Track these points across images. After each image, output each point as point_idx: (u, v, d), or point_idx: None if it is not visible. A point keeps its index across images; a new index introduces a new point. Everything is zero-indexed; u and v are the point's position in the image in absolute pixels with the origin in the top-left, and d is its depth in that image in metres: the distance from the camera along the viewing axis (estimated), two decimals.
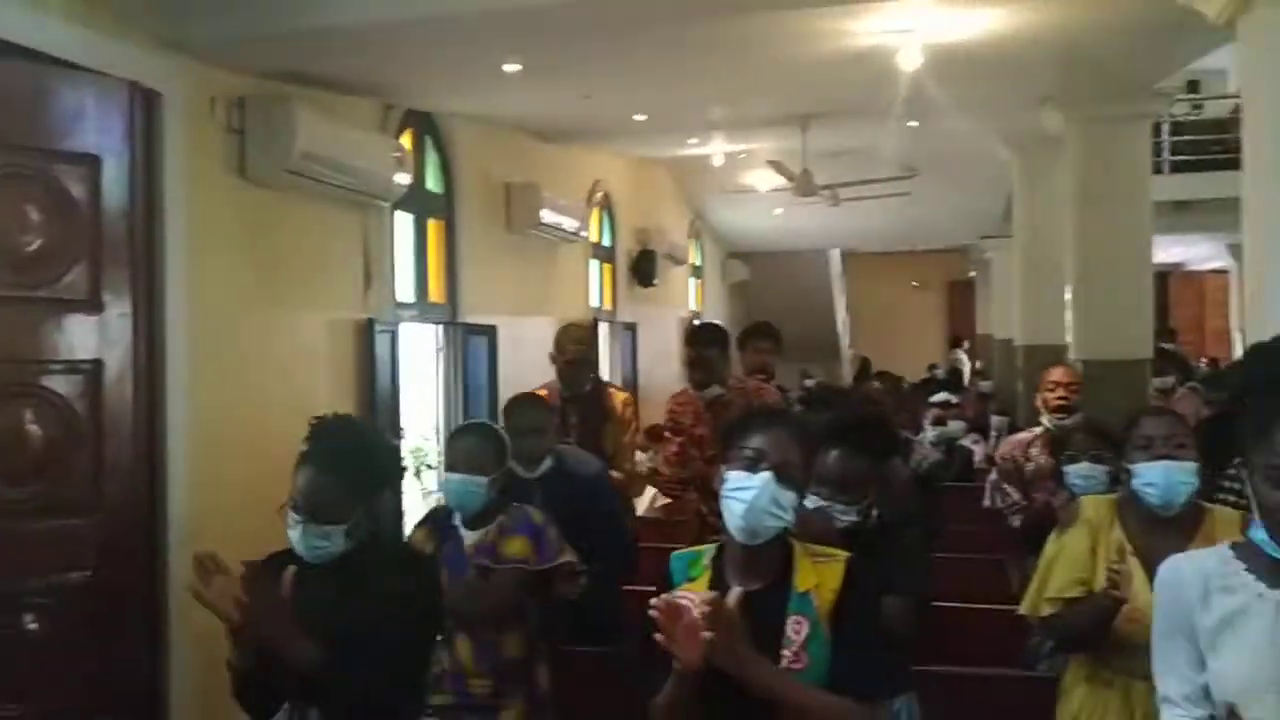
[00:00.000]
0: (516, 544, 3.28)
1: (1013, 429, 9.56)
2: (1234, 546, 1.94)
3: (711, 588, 2.12)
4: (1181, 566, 1.97)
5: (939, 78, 5.90)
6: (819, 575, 2.14)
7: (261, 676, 2.36)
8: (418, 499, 5.98)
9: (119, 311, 3.81)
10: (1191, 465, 2.76)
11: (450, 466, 3.31)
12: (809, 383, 13.05)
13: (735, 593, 1.99)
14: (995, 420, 10.33)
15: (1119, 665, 2.77)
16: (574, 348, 4.66)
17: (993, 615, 4.29)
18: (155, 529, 3.90)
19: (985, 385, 13.78)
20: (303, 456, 2.48)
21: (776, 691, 2.02)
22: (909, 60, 5.55)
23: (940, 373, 18.06)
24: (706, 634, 1.91)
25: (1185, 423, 2.92)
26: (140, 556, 3.85)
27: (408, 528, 3.85)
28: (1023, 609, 2.97)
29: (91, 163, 3.73)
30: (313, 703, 2.40)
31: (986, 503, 7.08)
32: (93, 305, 3.74)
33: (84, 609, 3.63)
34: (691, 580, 2.18)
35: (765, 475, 2.09)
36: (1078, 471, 3.85)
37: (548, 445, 3.84)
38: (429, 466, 6.29)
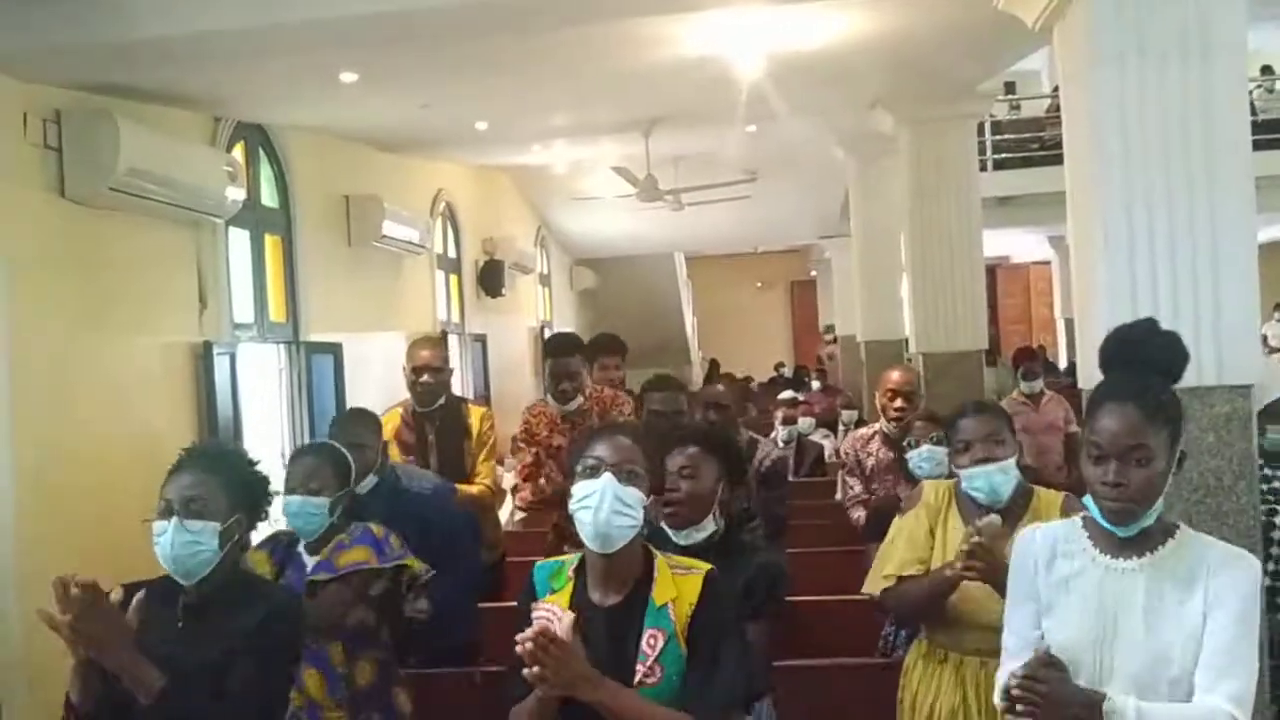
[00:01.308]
0: (355, 552, 3.17)
1: (860, 423, 9.88)
2: (1084, 518, 2.14)
3: (573, 599, 2.13)
4: (1035, 535, 2.18)
5: (775, 83, 6.04)
6: (678, 588, 2.14)
7: (102, 716, 2.21)
8: (263, 527, 5.75)
9: None
10: (1009, 463, 2.89)
11: (289, 489, 3.18)
12: None
13: (567, 620, 2.00)
14: (845, 415, 10.62)
15: (951, 642, 2.90)
16: (423, 355, 4.55)
17: (846, 606, 4.39)
18: None
19: (815, 383, 14.19)
20: (175, 466, 2.35)
21: (616, 710, 2.02)
22: (746, 66, 5.66)
23: (786, 371, 18.51)
24: (534, 670, 1.93)
25: (1004, 416, 3.04)
26: None
27: None
28: (865, 588, 3.06)
29: None
30: None
31: (838, 496, 7.31)
32: None
33: None
34: (554, 592, 2.17)
35: (606, 477, 2.11)
36: (919, 455, 4.08)
37: (371, 460, 3.71)
38: (275, 493, 6.06)
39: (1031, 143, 13.58)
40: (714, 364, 18.51)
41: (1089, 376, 3.64)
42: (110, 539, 3.98)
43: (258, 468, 2.49)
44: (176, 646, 2.21)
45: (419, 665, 3.66)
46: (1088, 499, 2.07)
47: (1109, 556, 2.07)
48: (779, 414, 8.32)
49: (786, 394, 10.26)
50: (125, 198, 4.39)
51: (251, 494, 2.43)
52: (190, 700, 2.15)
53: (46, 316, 4.07)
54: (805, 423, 8.97)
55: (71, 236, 4.28)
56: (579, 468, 2.18)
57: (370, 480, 3.70)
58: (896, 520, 3.08)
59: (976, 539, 2.70)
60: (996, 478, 2.87)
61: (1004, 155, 13.06)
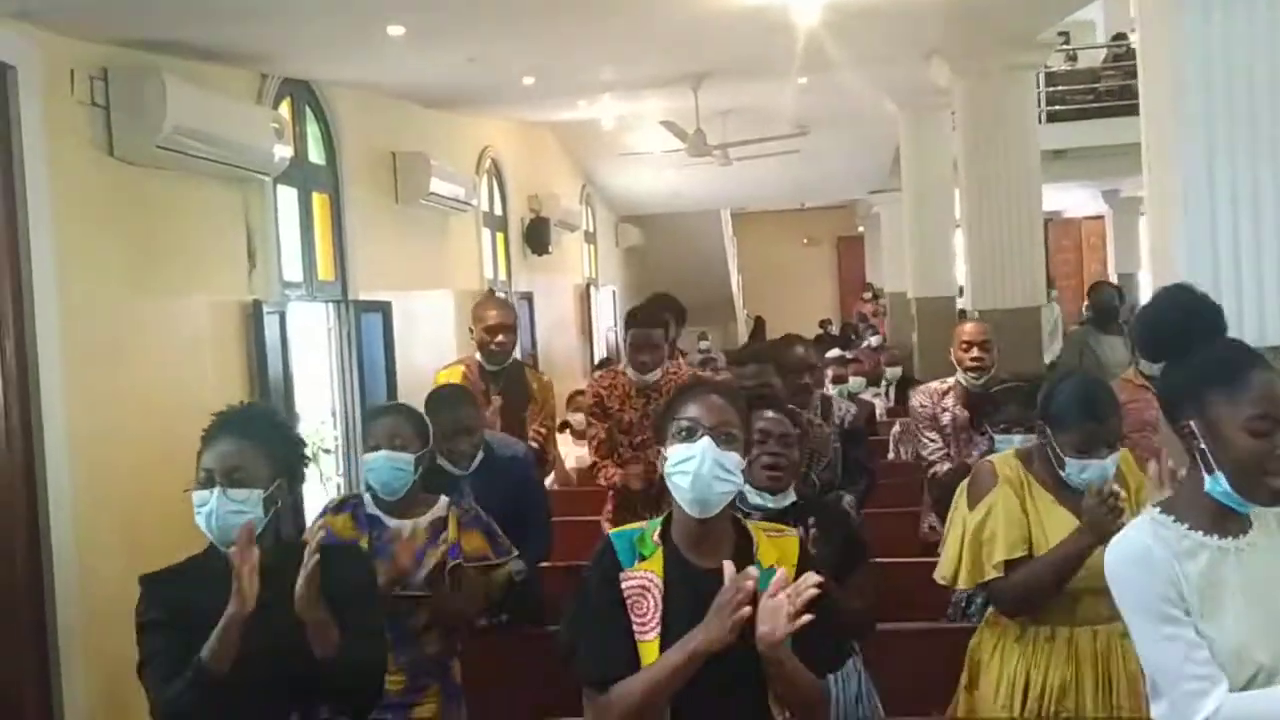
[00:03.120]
0: (475, 539, 3.18)
1: (904, 381, 9.74)
2: (1162, 511, 1.91)
3: (668, 565, 2.09)
4: (1136, 542, 1.89)
5: (830, 32, 5.86)
6: (779, 550, 2.12)
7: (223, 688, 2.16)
8: (316, 486, 5.77)
9: None
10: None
11: (372, 447, 3.15)
12: (704, 345, 13.12)
13: (752, 570, 1.98)
14: (889, 372, 10.48)
15: (1062, 617, 2.73)
16: (496, 314, 4.51)
17: (907, 569, 4.31)
18: (37, 543, 3.64)
19: (874, 339, 14.02)
20: (211, 433, 2.31)
21: (789, 671, 2.00)
22: (803, 14, 5.49)
23: (832, 329, 18.34)
24: (745, 610, 1.92)
25: None
26: (21, 568, 3.59)
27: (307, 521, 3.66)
28: (963, 582, 2.83)
29: None
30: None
31: (890, 455, 7.20)
32: None
33: None
34: (644, 559, 2.11)
35: (704, 441, 2.06)
36: (1010, 443, 3.64)
37: (480, 442, 3.65)
38: (326, 451, 6.07)
39: (1086, 94, 13.25)
40: (759, 321, 18.41)
41: None
42: (162, 498, 3.98)
43: (294, 430, 2.45)
44: (254, 626, 2.16)
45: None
46: (1213, 483, 1.85)
47: (1218, 537, 1.86)
48: (829, 373, 8.21)
49: (834, 352, 10.15)
50: (173, 155, 4.34)
51: (291, 458, 2.39)
52: (289, 666, 2.15)
53: (96, 276, 4.04)
54: (856, 381, 8.85)
55: (120, 195, 4.24)
56: (672, 429, 2.12)
57: (479, 459, 3.64)
58: (964, 501, 2.87)
59: (1111, 489, 2.56)
60: (1109, 469, 2.67)
61: (1058, 107, 12.75)
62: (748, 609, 1.93)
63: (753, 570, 1.99)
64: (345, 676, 2.21)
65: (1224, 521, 1.88)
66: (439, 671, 3.20)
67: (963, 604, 3.71)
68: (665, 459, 2.11)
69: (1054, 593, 2.69)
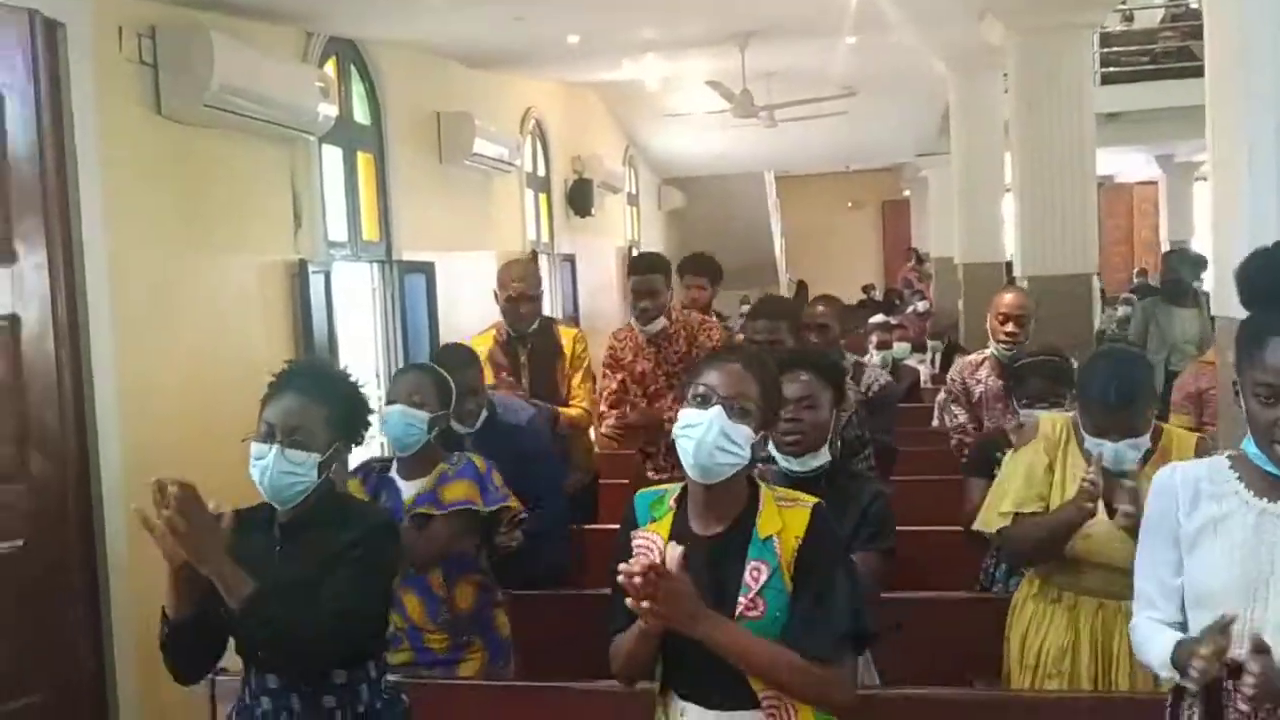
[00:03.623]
0: (460, 488, 3.14)
1: (950, 348, 9.64)
2: (1230, 457, 2.03)
3: (673, 529, 2.09)
4: (1175, 473, 2.06)
5: None
6: (784, 520, 2.06)
7: (196, 630, 2.23)
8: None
9: (34, 262, 3.57)
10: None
11: (391, 400, 3.17)
12: (745, 309, 13.04)
13: (676, 552, 1.94)
14: (931, 343, 10.38)
15: (1066, 582, 2.80)
16: (518, 285, 4.48)
17: (944, 537, 4.27)
18: (88, 492, 3.70)
19: (921, 305, 13.87)
20: (278, 385, 2.31)
21: (736, 649, 1.97)
22: None
23: (876, 294, 18.18)
24: (644, 605, 1.89)
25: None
26: (74, 522, 3.65)
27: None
28: (977, 523, 2.95)
29: None
30: (272, 667, 2.27)
31: (935, 423, 7.14)
32: (4, 257, 3.49)
33: (16, 580, 3.44)
34: (655, 520, 2.14)
35: (714, 410, 2.04)
36: (1118, 453, 3.67)
37: (484, 400, 3.70)
38: (369, 412, 6.10)
39: (1142, 56, 12.94)
40: (802, 285, 18.26)
41: (1223, 302, 3.43)
42: (210, 457, 4.01)
43: (361, 390, 2.44)
44: (273, 567, 2.20)
45: (513, 589, 3.65)
46: (1248, 443, 1.94)
47: (1265, 500, 1.94)
48: (873, 338, 8.15)
49: (878, 318, 10.06)
50: (220, 114, 4.35)
51: (352, 419, 2.39)
52: (264, 606, 2.14)
53: (145, 234, 4.07)
54: (901, 347, 8.78)
55: (168, 154, 4.25)
56: (689, 394, 2.11)
57: (481, 419, 3.67)
58: (1011, 455, 2.95)
59: (1091, 477, 2.56)
60: (1123, 454, 2.63)
61: (1112, 69, 12.45)
62: (671, 594, 1.90)
63: (678, 550, 1.94)
64: (253, 629, 2.17)
65: (1268, 483, 1.94)
66: (479, 627, 3.22)
67: (992, 571, 3.68)
68: (677, 421, 2.09)
69: (1049, 551, 2.77)
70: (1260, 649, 1.79)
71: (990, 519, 2.88)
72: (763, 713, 2.02)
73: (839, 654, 2.03)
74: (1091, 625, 2.75)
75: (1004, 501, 2.84)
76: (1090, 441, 2.66)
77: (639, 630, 1.99)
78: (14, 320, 3.51)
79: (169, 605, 2.23)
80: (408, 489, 3.17)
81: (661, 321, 4.46)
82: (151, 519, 2.12)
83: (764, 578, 2.01)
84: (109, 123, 3.85)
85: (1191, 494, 2.00)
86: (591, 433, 4.92)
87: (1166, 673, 1.98)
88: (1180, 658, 1.90)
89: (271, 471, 2.23)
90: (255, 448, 2.26)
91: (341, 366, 2.49)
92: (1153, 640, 2.01)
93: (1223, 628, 1.82)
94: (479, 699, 3.06)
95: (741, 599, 2.00)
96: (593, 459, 4.88)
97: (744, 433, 2.05)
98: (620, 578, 1.90)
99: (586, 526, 4.36)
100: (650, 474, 4.32)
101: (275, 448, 2.23)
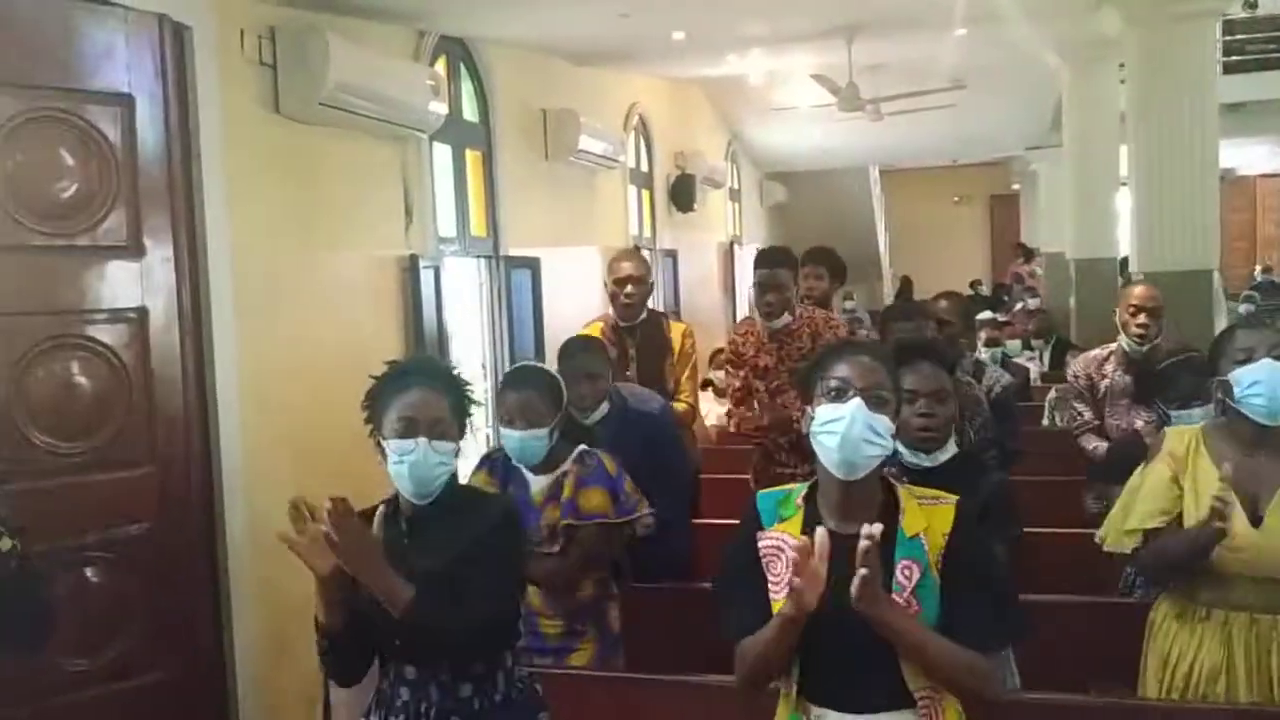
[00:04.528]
0: (595, 498, 3.19)
1: (1060, 345, 9.39)
2: None
3: (805, 527, 2.05)
4: None
5: None
6: (928, 518, 2.04)
7: (352, 635, 2.26)
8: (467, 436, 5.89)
9: (161, 256, 3.71)
10: None
11: (506, 422, 3.19)
12: (849, 305, 12.89)
13: (875, 529, 1.89)
14: (1036, 341, 10.14)
15: (1215, 598, 2.66)
16: (627, 267, 4.50)
17: (1062, 539, 4.17)
18: (210, 477, 3.83)
19: (1032, 301, 13.55)
20: (399, 382, 2.32)
21: (913, 638, 1.95)
22: None
23: (983, 290, 17.79)
24: (863, 573, 1.85)
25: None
26: (196, 506, 3.79)
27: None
28: (1107, 544, 2.86)
29: (124, 102, 3.60)
30: (410, 659, 2.31)
31: (1045, 422, 6.96)
32: (134, 251, 3.63)
33: (143, 561, 3.58)
34: (783, 520, 2.10)
35: (855, 403, 2.01)
36: (1190, 418, 3.54)
37: (604, 389, 3.71)
38: (477, 404, 6.20)
39: (1269, 44, 12.43)
40: (906, 281, 17.98)
41: None
42: (322, 449, 4.14)
43: (468, 383, 2.48)
44: (405, 562, 2.22)
45: (635, 579, 3.69)
46: None
47: None
48: (982, 335, 7.98)
49: (986, 314, 9.85)
50: (335, 113, 4.46)
51: (465, 408, 2.43)
52: (428, 609, 2.17)
53: (264, 229, 4.19)
54: (1012, 345, 8.59)
55: (285, 151, 4.38)
56: (820, 388, 2.07)
57: (604, 408, 3.69)
58: (1139, 469, 2.84)
59: (1221, 495, 2.44)
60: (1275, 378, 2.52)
61: (1235, 58, 11.98)
62: (815, 577, 1.88)
63: (821, 533, 1.92)
64: (415, 633, 2.22)
65: None
66: (595, 618, 3.26)
67: (1132, 578, 3.56)
68: (812, 418, 2.06)
69: (1185, 569, 2.67)
70: None
71: (1118, 538, 2.80)
72: (915, 713, 1.99)
73: (992, 645, 2.02)
74: (1245, 642, 2.62)
75: (1130, 520, 2.75)
76: (1242, 375, 2.55)
77: (783, 621, 1.95)
78: (143, 312, 3.65)
79: (322, 615, 2.25)
80: (535, 482, 3.23)
81: (786, 317, 4.41)
82: (292, 536, 2.17)
83: (916, 576, 2.00)
84: (231, 122, 3.98)
85: None
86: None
87: None
88: None
89: (423, 464, 2.25)
90: (399, 444, 2.24)
91: (453, 364, 2.52)
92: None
93: None
94: (593, 688, 3.09)
95: (896, 597, 1.98)
96: (697, 454, 4.88)
97: (885, 423, 2.03)
98: (793, 553, 1.89)
99: (695, 520, 4.37)
100: (776, 469, 4.25)
101: (423, 440, 2.24)
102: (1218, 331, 6.39)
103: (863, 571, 1.86)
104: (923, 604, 1.99)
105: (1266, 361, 2.57)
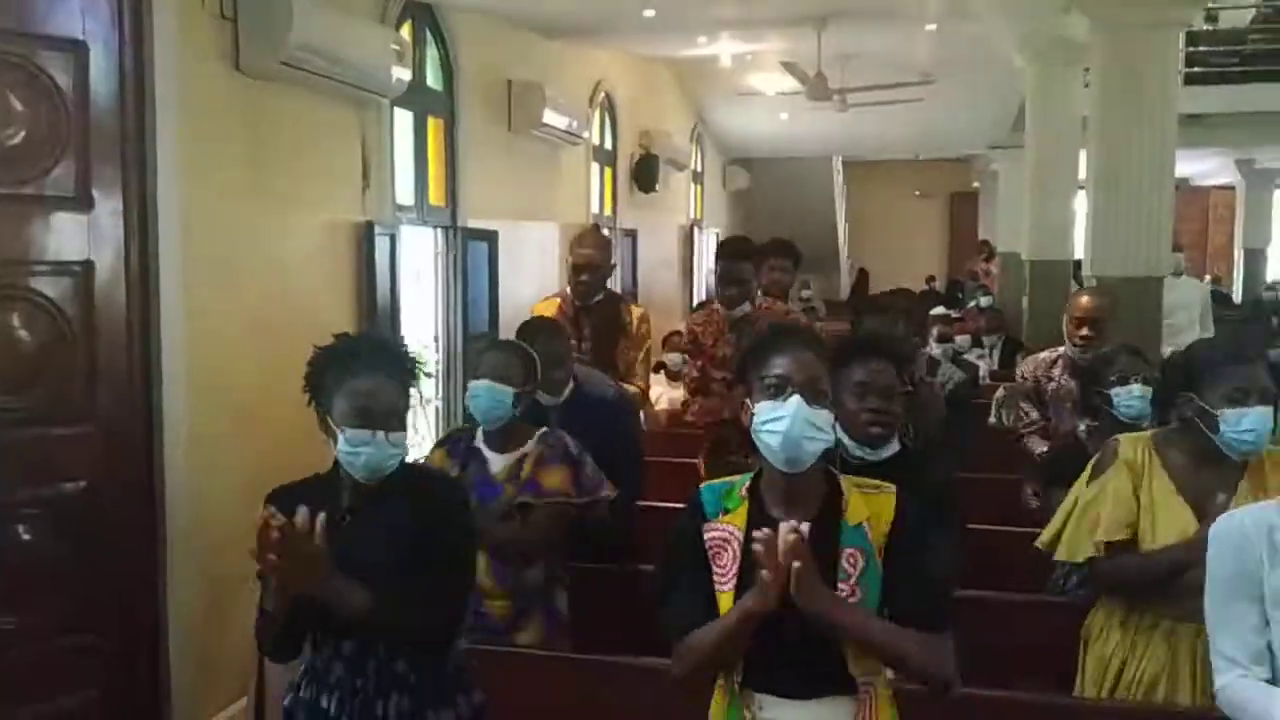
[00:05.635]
0: (555, 476, 3.19)
1: (1010, 344, 9.49)
2: None
3: (750, 519, 2.05)
4: (1243, 522, 1.93)
5: None
6: (870, 507, 2.06)
7: (295, 617, 2.22)
8: (416, 408, 5.84)
9: (110, 209, 3.62)
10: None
11: (476, 375, 3.21)
12: (805, 294, 12.95)
13: (803, 527, 1.90)
14: (988, 338, 10.23)
15: (1163, 610, 2.67)
16: (585, 252, 4.47)
17: (1004, 536, 4.22)
18: (151, 438, 3.75)
19: (985, 300, 13.68)
20: (352, 366, 2.25)
21: (856, 628, 1.96)
22: None
23: (938, 286, 17.95)
24: (795, 564, 1.86)
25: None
26: (136, 466, 3.71)
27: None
28: (1060, 553, 2.85)
29: (78, 49, 3.49)
30: (349, 635, 2.27)
31: (992, 420, 7.04)
32: (82, 203, 3.54)
33: (78, 520, 3.51)
34: (727, 512, 2.10)
35: (794, 401, 2.01)
36: (1130, 393, 3.61)
37: (567, 376, 3.72)
38: (427, 375, 6.15)
39: (1229, 57, 12.60)
40: (863, 273, 18.11)
41: None
42: (268, 414, 4.08)
43: (418, 363, 2.43)
44: (343, 543, 2.18)
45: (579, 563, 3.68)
46: None
47: None
48: (934, 330, 8.04)
49: (939, 310, 9.92)
50: (296, 73, 4.37)
51: (412, 389, 2.39)
52: (383, 620, 2.15)
53: (217, 187, 4.11)
54: (961, 341, 8.66)
55: (243, 109, 4.29)
56: (760, 383, 2.06)
57: (567, 391, 3.69)
58: (1086, 479, 2.83)
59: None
60: (1268, 420, 2.52)
61: (1197, 69, 12.13)
62: (780, 570, 1.88)
63: (804, 526, 1.91)
64: (369, 632, 2.21)
65: None
66: (543, 599, 3.25)
67: (1061, 581, 3.61)
68: (753, 414, 2.06)
69: (1148, 588, 2.67)
70: None
71: (1078, 549, 2.78)
72: (854, 699, 2.01)
73: (939, 627, 2.03)
74: (1191, 650, 2.64)
75: (1096, 531, 2.72)
76: (1229, 416, 2.53)
77: (742, 614, 1.95)
78: (88, 266, 3.56)
79: (272, 607, 2.19)
80: (496, 461, 3.22)
81: (746, 306, 4.43)
82: (263, 555, 2.06)
83: (861, 564, 2.01)
84: (188, 75, 3.88)
85: (1269, 544, 1.87)
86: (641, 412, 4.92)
87: None
88: None
89: (376, 456, 2.22)
90: (354, 434, 2.20)
91: (402, 340, 2.47)
92: (1258, 701, 1.86)
93: None
94: (538, 668, 3.08)
95: (842, 585, 1.99)
96: (644, 437, 4.87)
97: (825, 416, 2.03)
98: (758, 545, 1.88)
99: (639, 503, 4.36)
100: (729, 456, 4.26)
101: (380, 435, 2.21)
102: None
103: (795, 565, 1.86)
104: (867, 591, 2.00)
105: (1261, 410, 2.53)
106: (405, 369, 2.33)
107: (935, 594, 2.04)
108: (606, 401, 3.81)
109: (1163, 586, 2.64)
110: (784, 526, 1.90)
